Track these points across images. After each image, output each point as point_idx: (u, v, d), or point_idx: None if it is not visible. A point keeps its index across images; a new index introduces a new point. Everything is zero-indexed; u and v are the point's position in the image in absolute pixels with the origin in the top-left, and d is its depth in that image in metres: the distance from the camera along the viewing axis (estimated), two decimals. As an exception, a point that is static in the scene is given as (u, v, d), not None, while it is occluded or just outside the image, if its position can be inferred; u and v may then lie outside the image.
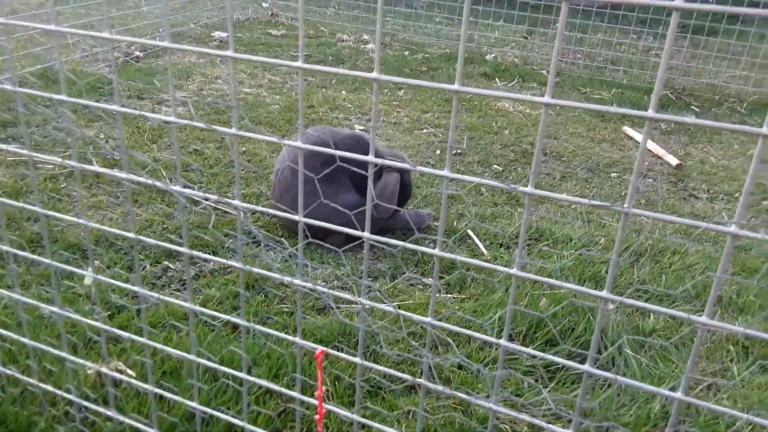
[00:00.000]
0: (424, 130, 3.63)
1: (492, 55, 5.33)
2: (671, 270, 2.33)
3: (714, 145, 3.90)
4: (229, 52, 0.77)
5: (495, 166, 3.22)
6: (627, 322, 1.96)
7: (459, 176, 0.74)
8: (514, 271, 0.79)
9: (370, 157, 0.81)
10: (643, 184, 3.22)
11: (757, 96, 4.89)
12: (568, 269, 2.24)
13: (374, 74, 0.73)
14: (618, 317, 1.97)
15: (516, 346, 0.81)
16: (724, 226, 0.65)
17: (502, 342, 0.81)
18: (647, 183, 3.24)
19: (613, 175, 3.28)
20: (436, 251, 0.84)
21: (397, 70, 4.76)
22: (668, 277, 2.25)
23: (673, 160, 3.49)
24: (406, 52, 5.27)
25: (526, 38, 6.04)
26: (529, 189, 0.73)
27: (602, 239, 2.53)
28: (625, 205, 0.68)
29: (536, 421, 0.82)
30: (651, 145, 3.73)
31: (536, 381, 1.68)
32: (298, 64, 0.75)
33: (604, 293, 0.74)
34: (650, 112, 0.62)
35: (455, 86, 0.70)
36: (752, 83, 5.01)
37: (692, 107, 4.63)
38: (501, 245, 2.41)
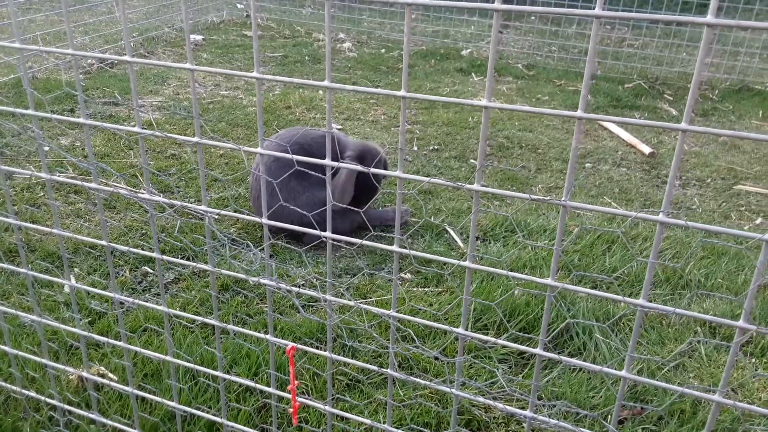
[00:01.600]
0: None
1: (468, 51, 5.39)
2: (643, 256, 2.40)
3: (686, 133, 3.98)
4: (188, 65, 0.80)
5: (471, 160, 3.27)
6: (598, 308, 2.02)
7: (410, 176, 0.79)
8: (466, 263, 0.83)
9: (327, 161, 0.85)
10: (616, 173, 3.29)
11: (729, 83, 4.99)
12: (542, 259, 2.30)
13: (326, 83, 0.77)
14: (590, 304, 2.03)
15: (471, 334, 0.86)
16: (653, 215, 0.70)
17: (458, 330, 0.86)
18: (621, 172, 3.31)
19: (587, 165, 3.35)
20: (395, 248, 0.88)
21: (374, 68, 4.80)
22: (639, 264, 2.32)
23: (646, 149, 3.57)
24: (383, 50, 5.31)
25: (501, 32, 6.10)
26: (476, 186, 0.77)
27: (575, 229, 2.59)
28: (563, 199, 0.73)
29: (491, 402, 0.87)
30: (624, 135, 3.80)
31: (510, 368, 1.73)
32: (255, 74, 0.78)
33: (549, 281, 0.79)
34: (579, 113, 0.67)
35: (402, 92, 0.74)
36: (723, 70, 5.11)
37: (665, 96, 4.72)
38: (477, 238, 2.46)
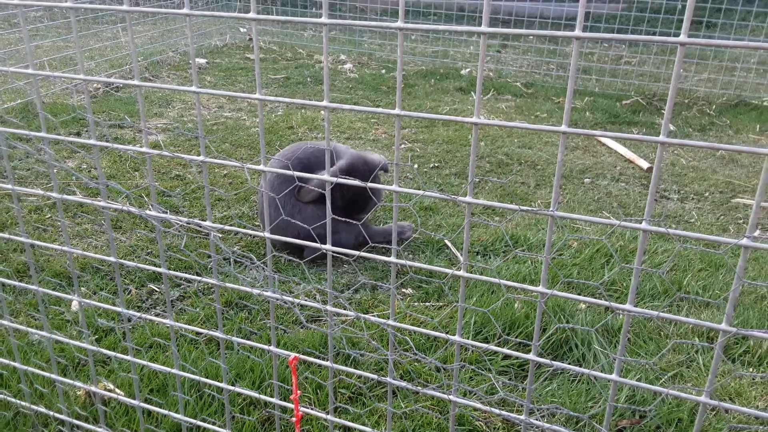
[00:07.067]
0: (402, 146, 3.72)
1: (467, 70, 5.46)
2: (643, 268, 2.43)
3: (684, 148, 4.02)
4: (194, 88, 0.85)
5: (471, 177, 3.31)
6: (597, 320, 2.04)
7: (404, 190, 0.83)
8: (461, 273, 0.87)
9: (326, 177, 0.89)
10: (615, 188, 3.32)
11: (725, 97, 5.05)
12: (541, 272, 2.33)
13: (324, 102, 0.82)
14: (588, 317, 2.06)
15: (467, 341, 0.89)
16: (636, 223, 0.73)
17: (454, 338, 0.89)
18: (620, 187, 3.34)
19: (586, 180, 3.39)
20: (393, 258, 0.92)
21: (374, 88, 4.87)
22: (639, 276, 2.35)
23: (644, 164, 3.61)
24: (383, 71, 5.40)
25: (500, 52, 6.19)
26: (468, 199, 0.81)
27: (575, 243, 2.63)
28: (551, 209, 0.77)
29: (487, 408, 0.90)
30: (622, 150, 3.85)
31: (510, 380, 1.76)
32: (257, 96, 0.83)
33: (540, 288, 0.82)
34: (563, 127, 0.71)
35: (396, 111, 0.79)
36: (719, 85, 5.18)
37: (663, 112, 4.77)
38: (477, 253, 2.49)
